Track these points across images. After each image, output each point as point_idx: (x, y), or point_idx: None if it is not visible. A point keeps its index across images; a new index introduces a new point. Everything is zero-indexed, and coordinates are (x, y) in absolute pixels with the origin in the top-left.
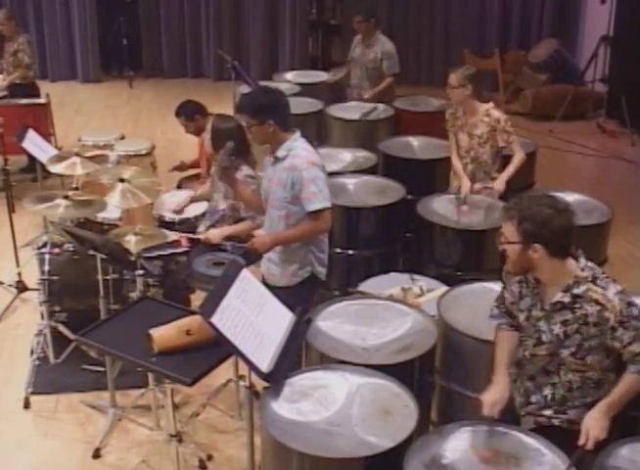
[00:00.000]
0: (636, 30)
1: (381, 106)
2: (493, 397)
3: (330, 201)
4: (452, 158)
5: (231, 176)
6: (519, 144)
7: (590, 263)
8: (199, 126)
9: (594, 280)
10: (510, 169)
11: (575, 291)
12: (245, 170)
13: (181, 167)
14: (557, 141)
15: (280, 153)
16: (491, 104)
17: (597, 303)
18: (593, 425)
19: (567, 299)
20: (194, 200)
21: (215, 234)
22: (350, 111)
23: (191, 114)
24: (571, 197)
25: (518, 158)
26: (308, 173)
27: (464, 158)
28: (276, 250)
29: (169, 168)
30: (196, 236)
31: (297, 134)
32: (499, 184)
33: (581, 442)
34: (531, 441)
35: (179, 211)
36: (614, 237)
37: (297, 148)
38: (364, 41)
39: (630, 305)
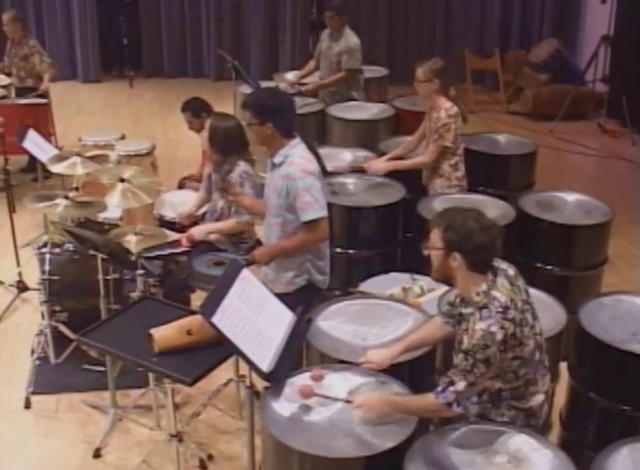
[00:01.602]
0: (637, 30)
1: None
2: (375, 354)
3: (325, 210)
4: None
5: (229, 196)
6: (435, 151)
7: (496, 293)
8: (203, 124)
9: (481, 308)
10: (402, 162)
11: (463, 310)
12: (242, 166)
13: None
14: (557, 141)
15: (277, 159)
16: (449, 104)
17: (466, 325)
18: (370, 399)
19: (459, 312)
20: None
21: (199, 230)
22: (351, 111)
23: (197, 110)
24: (571, 197)
25: (419, 159)
26: (303, 183)
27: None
28: None
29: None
30: (178, 235)
31: (296, 140)
32: (381, 166)
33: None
34: (532, 440)
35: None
36: (614, 237)
37: (294, 155)
38: (332, 35)
39: (486, 348)
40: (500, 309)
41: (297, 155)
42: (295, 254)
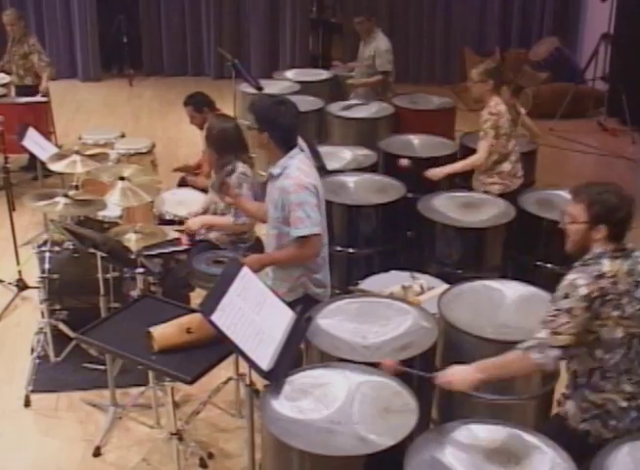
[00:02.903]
0: (637, 28)
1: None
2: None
3: (319, 226)
4: None
5: (227, 197)
6: (485, 147)
7: (606, 261)
8: (204, 119)
9: (582, 265)
10: (456, 164)
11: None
12: (240, 168)
13: (185, 169)
14: (557, 139)
15: (275, 170)
16: (493, 103)
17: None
18: (457, 373)
19: None
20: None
21: (195, 221)
22: (351, 109)
23: (199, 105)
24: None
25: (471, 158)
26: (297, 197)
27: None
28: (270, 267)
29: (172, 169)
30: (178, 228)
31: (295, 151)
32: (437, 171)
33: (438, 379)
34: (532, 438)
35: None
36: None
37: (292, 167)
38: (364, 40)
39: (567, 296)
40: (596, 273)
41: (294, 167)
42: (287, 266)
